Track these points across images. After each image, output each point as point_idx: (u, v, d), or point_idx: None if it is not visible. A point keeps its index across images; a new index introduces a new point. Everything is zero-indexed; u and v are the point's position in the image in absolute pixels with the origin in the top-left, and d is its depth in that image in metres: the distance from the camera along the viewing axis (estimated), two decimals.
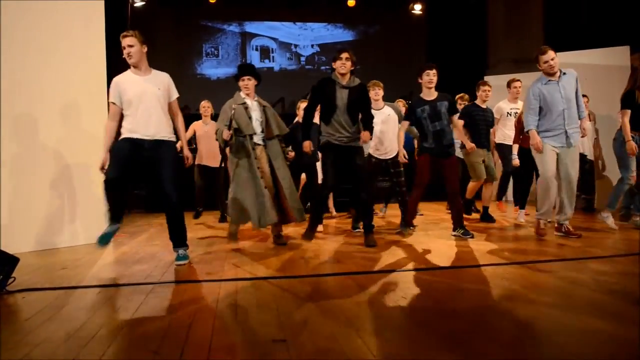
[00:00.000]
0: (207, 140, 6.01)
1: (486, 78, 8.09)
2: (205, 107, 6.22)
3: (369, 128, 4.18)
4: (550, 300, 2.43)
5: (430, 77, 4.42)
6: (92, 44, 4.68)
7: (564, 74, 4.24)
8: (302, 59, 14.52)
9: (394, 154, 4.99)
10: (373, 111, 5.04)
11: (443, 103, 4.46)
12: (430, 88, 4.45)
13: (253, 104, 4.22)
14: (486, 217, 5.64)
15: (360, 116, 4.22)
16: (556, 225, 4.46)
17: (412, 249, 4.02)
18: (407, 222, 4.75)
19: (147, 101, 3.50)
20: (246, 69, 4.27)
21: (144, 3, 11.69)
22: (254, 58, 14.21)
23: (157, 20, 12.80)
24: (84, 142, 4.53)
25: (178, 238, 3.64)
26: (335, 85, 4.08)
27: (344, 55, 4.06)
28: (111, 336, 2.02)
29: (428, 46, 13.14)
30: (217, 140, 4.14)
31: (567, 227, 4.36)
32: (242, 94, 4.21)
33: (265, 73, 14.30)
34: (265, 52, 14.29)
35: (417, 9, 12.79)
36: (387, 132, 4.98)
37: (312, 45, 14.47)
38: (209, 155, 6.03)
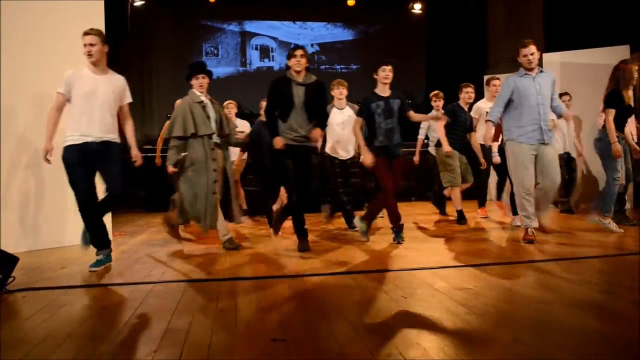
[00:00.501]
0: None
1: (486, 78, 8.08)
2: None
3: (322, 126, 4.16)
4: (550, 300, 2.43)
5: (386, 73, 4.34)
6: None
7: (542, 71, 4.23)
8: None
9: (351, 155, 4.98)
10: (335, 110, 5.09)
11: (396, 101, 4.37)
12: (385, 84, 4.36)
13: (208, 103, 4.17)
14: (462, 218, 5.47)
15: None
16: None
17: (412, 248, 4.02)
18: (367, 224, 4.48)
19: (97, 101, 3.49)
20: (200, 67, 4.21)
21: (143, 2, 11.68)
22: (253, 57, 14.21)
23: (156, 19, 12.78)
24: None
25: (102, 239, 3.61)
26: (291, 83, 4.03)
27: (299, 52, 4.02)
28: (111, 336, 2.02)
29: (428, 46, 13.13)
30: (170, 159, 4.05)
31: (541, 223, 4.31)
32: (197, 93, 4.14)
33: (265, 72, 14.32)
34: (265, 52, 14.28)
35: (417, 8, 12.78)
36: (346, 133, 4.96)
37: (312, 45, 14.46)
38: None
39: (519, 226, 4.61)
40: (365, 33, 14.43)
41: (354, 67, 14.16)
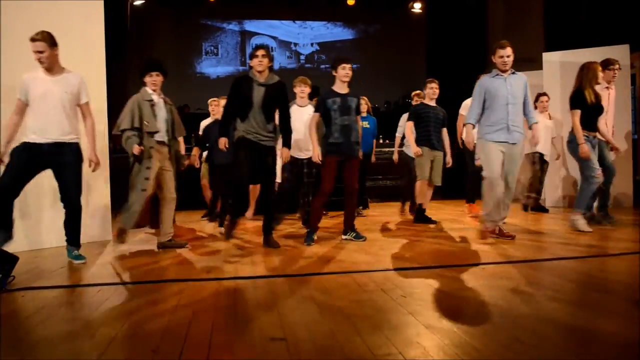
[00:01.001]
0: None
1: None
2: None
3: (286, 127, 4.16)
4: (549, 299, 2.43)
5: (346, 71, 4.31)
6: (91, 44, 4.67)
7: (514, 73, 4.26)
8: (302, 57, 14.51)
9: (310, 154, 4.90)
10: (296, 108, 5.06)
11: (353, 99, 4.36)
12: (344, 82, 4.34)
13: (159, 102, 4.13)
14: (422, 218, 5.46)
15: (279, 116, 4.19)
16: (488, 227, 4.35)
17: (412, 247, 4.02)
18: (312, 230, 4.38)
19: (49, 102, 3.50)
20: (153, 64, 4.17)
21: (143, 2, 11.67)
22: None
23: (156, 19, 12.78)
24: (82, 142, 4.51)
25: (74, 238, 3.69)
26: (253, 82, 4.01)
27: (260, 52, 3.99)
28: (110, 335, 2.02)
29: (428, 45, 13.14)
30: (123, 145, 4.02)
31: (501, 228, 4.30)
32: (149, 90, 4.10)
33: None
34: None
35: (417, 7, 12.78)
36: (305, 132, 4.90)
37: (312, 44, 14.46)
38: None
39: None
40: (365, 32, 14.43)
41: (354, 66, 14.16)
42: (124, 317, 2.27)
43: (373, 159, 6.68)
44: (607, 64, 4.93)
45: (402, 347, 1.81)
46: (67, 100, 3.57)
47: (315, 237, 4.34)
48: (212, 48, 13.84)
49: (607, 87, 4.92)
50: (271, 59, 4.07)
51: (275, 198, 4.23)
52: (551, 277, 2.89)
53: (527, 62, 9.30)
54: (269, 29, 14.23)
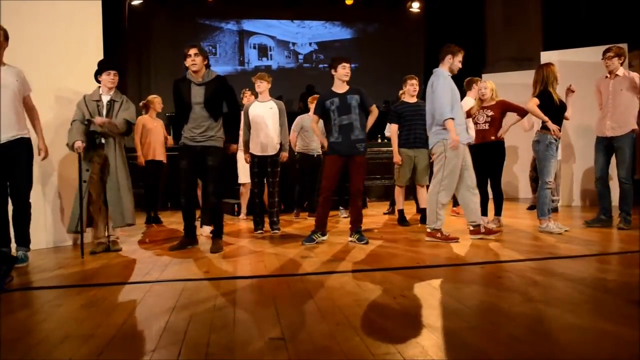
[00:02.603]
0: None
1: (484, 76, 8.06)
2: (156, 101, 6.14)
3: (233, 121, 4.10)
4: (548, 298, 2.43)
5: (346, 71, 4.28)
6: (89, 42, 4.66)
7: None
8: (300, 57, 14.50)
9: (273, 152, 4.84)
10: (257, 103, 4.98)
11: (354, 97, 4.28)
12: (344, 81, 4.30)
13: (109, 101, 4.06)
14: (401, 220, 5.34)
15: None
16: (471, 228, 4.33)
17: (411, 247, 4.02)
18: (316, 230, 4.32)
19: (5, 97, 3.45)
20: (104, 64, 4.11)
21: (141, 1, 11.65)
22: (252, 56, 14.19)
23: (154, 18, 12.77)
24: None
25: (23, 236, 3.62)
26: (190, 84, 3.95)
27: (192, 51, 3.91)
28: (109, 335, 2.01)
29: (426, 44, 13.15)
30: (67, 145, 3.95)
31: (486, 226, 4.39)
32: (99, 91, 4.07)
33: (264, 71, 14.31)
34: (263, 50, 14.27)
35: (415, 7, 12.79)
36: (264, 127, 4.84)
37: (310, 44, 14.45)
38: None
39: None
40: (364, 32, 14.43)
41: (353, 65, 14.14)
42: (122, 317, 2.26)
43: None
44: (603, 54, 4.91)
45: (400, 347, 1.80)
46: (17, 93, 3.53)
47: (317, 239, 4.24)
48: (210, 48, 13.82)
49: (607, 77, 4.86)
50: (205, 57, 3.97)
51: (216, 203, 4.02)
52: (551, 277, 2.89)
53: (525, 60, 9.33)
54: (267, 29, 14.22)
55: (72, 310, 2.43)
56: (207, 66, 4.02)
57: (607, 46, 5.05)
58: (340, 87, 4.31)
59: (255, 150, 4.88)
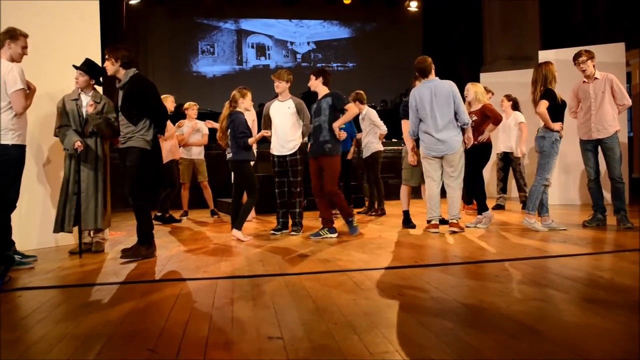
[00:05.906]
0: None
1: (482, 75, 8.09)
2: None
3: (157, 120, 3.86)
4: (548, 297, 2.44)
5: (318, 82, 4.67)
6: (87, 42, 4.65)
7: (439, 79, 4.47)
8: (298, 56, 14.51)
9: (291, 152, 4.77)
10: (277, 103, 4.91)
11: (326, 99, 4.53)
12: (320, 90, 4.67)
13: (88, 101, 4.03)
14: (406, 222, 5.14)
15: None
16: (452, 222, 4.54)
17: (409, 246, 4.03)
18: (324, 226, 4.52)
19: None
20: (83, 64, 4.07)
21: (139, 1, 11.63)
22: (250, 55, 14.19)
23: (152, 17, 12.76)
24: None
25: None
26: (119, 90, 3.87)
27: (106, 56, 3.79)
28: (107, 334, 2.01)
29: (424, 43, 13.16)
30: (64, 148, 3.98)
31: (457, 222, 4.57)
32: (77, 90, 4.07)
33: (262, 70, 14.30)
34: (261, 50, 14.26)
35: (413, 6, 12.79)
36: (281, 127, 4.80)
37: (308, 43, 14.45)
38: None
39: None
40: (362, 31, 14.44)
41: (351, 65, 14.15)
42: (121, 317, 2.26)
43: (349, 156, 6.45)
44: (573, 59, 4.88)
45: (399, 345, 1.81)
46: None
47: (323, 234, 4.50)
48: (209, 47, 13.81)
49: (585, 81, 4.84)
50: (117, 59, 3.72)
51: (133, 204, 3.80)
52: (550, 275, 2.90)
53: (523, 60, 9.36)
54: (265, 28, 14.22)
55: (70, 310, 2.43)
56: (126, 66, 3.78)
57: (603, 45, 5.04)
58: (321, 93, 4.65)
59: (274, 150, 4.87)
